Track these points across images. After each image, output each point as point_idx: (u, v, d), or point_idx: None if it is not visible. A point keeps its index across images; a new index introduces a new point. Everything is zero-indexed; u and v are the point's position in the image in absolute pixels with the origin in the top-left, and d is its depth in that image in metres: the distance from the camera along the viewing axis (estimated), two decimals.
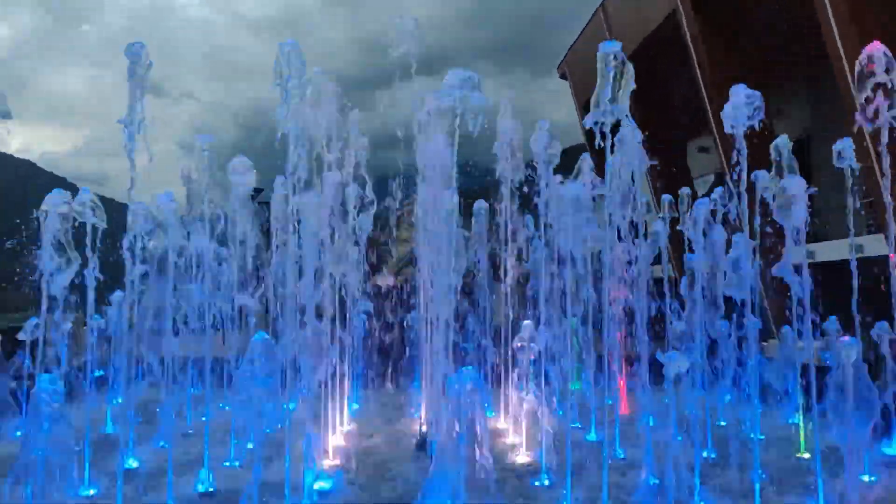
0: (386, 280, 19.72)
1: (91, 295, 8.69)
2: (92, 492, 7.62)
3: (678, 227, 11.57)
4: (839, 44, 19.09)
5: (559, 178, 9.81)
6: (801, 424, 9.24)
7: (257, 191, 15.09)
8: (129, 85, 6.49)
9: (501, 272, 12.71)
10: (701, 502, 6.83)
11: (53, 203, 7.79)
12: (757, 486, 6.07)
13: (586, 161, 9.73)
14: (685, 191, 12.65)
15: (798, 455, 9.08)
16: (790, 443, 9.39)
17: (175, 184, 9.70)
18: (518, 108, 11.52)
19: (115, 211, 9.33)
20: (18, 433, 10.41)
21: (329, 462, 8.89)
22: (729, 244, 9.34)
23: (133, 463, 8.73)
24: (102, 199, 9.78)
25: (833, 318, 9.12)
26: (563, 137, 11.17)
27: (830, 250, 19.84)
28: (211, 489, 7.77)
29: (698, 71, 26.08)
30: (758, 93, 7.57)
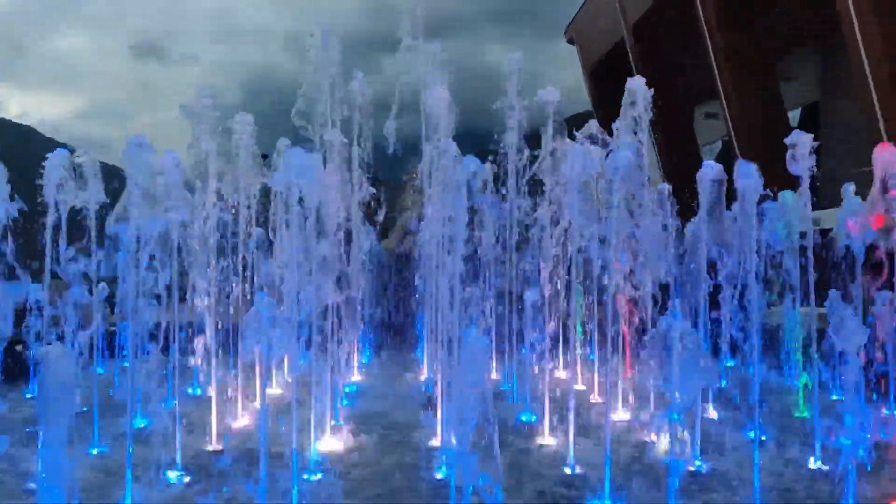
0: (388, 245, 19.78)
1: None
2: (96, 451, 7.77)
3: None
4: (851, 7, 18.82)
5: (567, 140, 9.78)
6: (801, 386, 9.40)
7: (262, 157, 15.00)
8: None
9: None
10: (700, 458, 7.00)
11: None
12: (756, 443, 6.17)
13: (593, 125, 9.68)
14: None
15: (798, 415, 9.27)
16: (790, 403, 9.56)
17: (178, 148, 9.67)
18: (523, 72, 11.42)
19: (118, 178, 9.31)
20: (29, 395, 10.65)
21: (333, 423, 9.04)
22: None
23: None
24: (104, 165, 9.77)
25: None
26: (569, 103, 11.12)
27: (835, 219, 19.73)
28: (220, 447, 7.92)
29: (707, 36, 25.78)
30: None
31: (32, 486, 6.18)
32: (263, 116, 13.81)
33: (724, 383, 10.25)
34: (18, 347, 12.25)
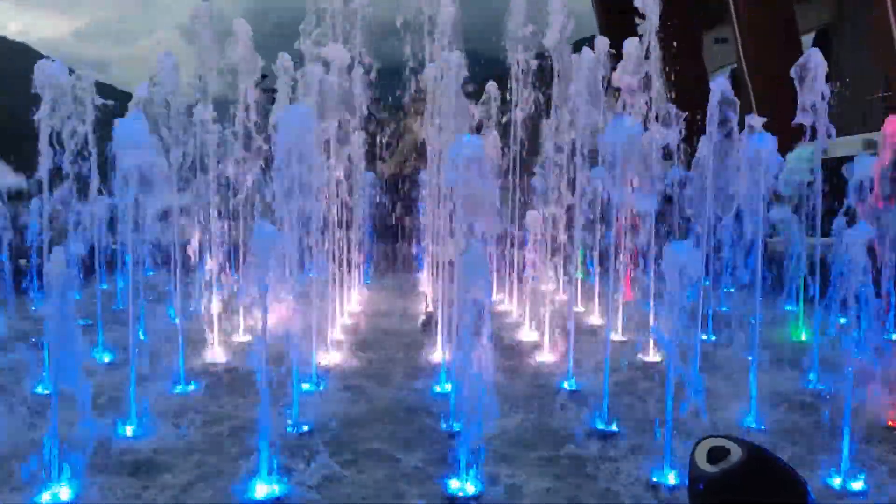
0: (390, 168, 19.64)
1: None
2: (107, 359, 7.93)
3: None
4: None
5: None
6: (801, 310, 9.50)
7: (263, 77, 14.69)
8: None
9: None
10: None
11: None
12: (753, 365, 6.22)
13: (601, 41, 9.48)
14: None
15: (795, 339, 9.38)
16: (788, 327, 9.65)
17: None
18: None
19: (114, 98, 9.20)
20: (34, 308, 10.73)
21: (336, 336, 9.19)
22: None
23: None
24: (101, 84, 9.56)
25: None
26: (578, 27, 10.84)
27: (844, 146, 19.46)
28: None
29: None
30: None
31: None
32: (265, 38, 13.51)
33: None
34: (23, 262, 12.31)
